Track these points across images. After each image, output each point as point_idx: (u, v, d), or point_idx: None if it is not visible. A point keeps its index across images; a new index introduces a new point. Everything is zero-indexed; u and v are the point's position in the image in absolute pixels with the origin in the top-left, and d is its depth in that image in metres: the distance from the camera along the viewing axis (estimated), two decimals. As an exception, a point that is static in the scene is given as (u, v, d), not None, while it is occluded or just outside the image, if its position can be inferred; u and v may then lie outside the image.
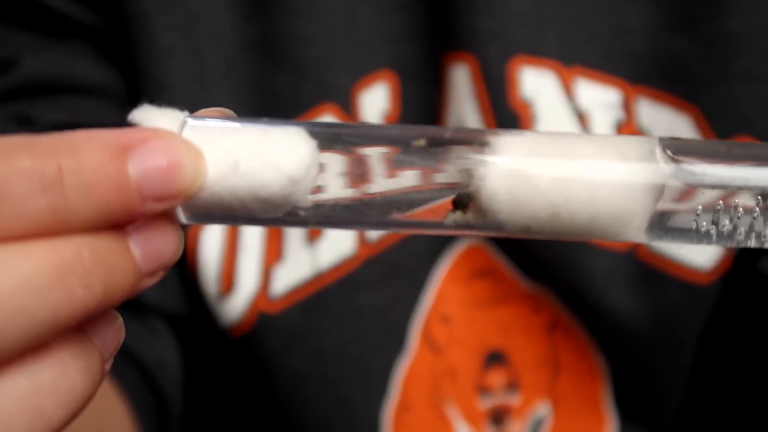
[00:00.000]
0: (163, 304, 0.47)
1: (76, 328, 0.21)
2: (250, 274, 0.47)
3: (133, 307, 0.46)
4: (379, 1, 0.48)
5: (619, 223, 0.22)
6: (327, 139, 0.23)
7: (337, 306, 0.48)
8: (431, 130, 0.23)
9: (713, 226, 0.23)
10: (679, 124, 0.48)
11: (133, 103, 0.50)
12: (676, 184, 0.22)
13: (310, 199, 0.22)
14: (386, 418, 0.49)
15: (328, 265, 0.48)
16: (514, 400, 0.50)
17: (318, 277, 0.48)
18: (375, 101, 0.48)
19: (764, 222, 0.22)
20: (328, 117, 0.47)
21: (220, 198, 0.22)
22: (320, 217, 0.23)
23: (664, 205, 0.22)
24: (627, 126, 0.48)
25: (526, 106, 0.47)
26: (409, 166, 0.22)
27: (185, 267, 0.47)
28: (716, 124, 0.47)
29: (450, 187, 0.22)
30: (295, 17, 0.47)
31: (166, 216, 0.22)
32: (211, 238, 0.47)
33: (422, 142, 0.23)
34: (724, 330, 0.52)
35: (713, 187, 0.22)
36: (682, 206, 0.22)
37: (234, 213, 0.22)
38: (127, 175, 0.21)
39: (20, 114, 0.46)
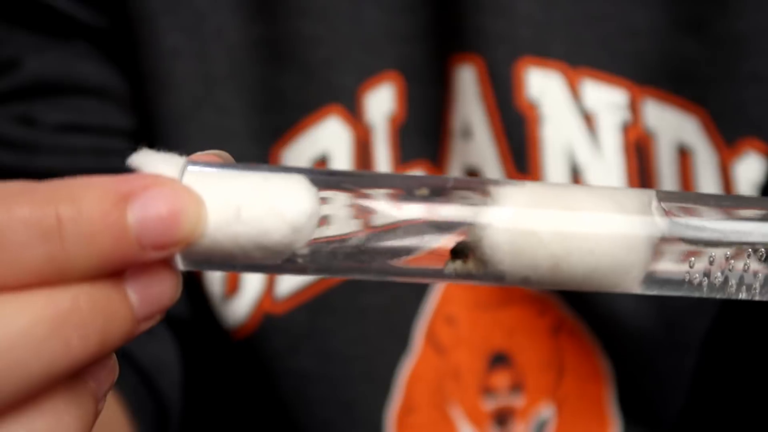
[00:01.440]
0: None
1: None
2: (255, 276, 0.47)
3: None
4: (386, 2, 0.47)
5: (617, 275, 0.23)
6: (328, 187, 0.23)
7: (342, 307, 0.48)
8: (433, 179, 0.23)
9: (705, 278, 0.24)
10: (686, 126, 0.47)
11: (136, 104, 0.50)
12: (672, 238, 0.23)
13: (309, 246, 0.22)
14: (390, 418, 0.49)
15: None
16: (518, 401, 0.50)
17: (323, 278, 0.48)
18: (381, 102, 0.48)
19: (754, 275, 0.23)
20: (333, 118, 0.47)
21: (220, 245, 0.22)
22: (319, 265, 0.23)
23: (661, 258, 0.23)
24: (634, 127, 0.48)
25: (533, 107, 0.47)
26: (411, 215, 0.23)
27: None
28: (723, 125, 0.47)
29: (450, 235, 0.23)
30: (301, 18, 0.47)
31: (165, 261, 0.22)
32: None
33: (424, 191, 0.23)
34: (728, 332, 0.52)
35: (707, 242, 0.23)
36: (677, 260, 0.23)
37: (233, 260, 0.22)
38: (127, 225, 0.20)
39: (23, 114, 0.46)
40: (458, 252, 0.23)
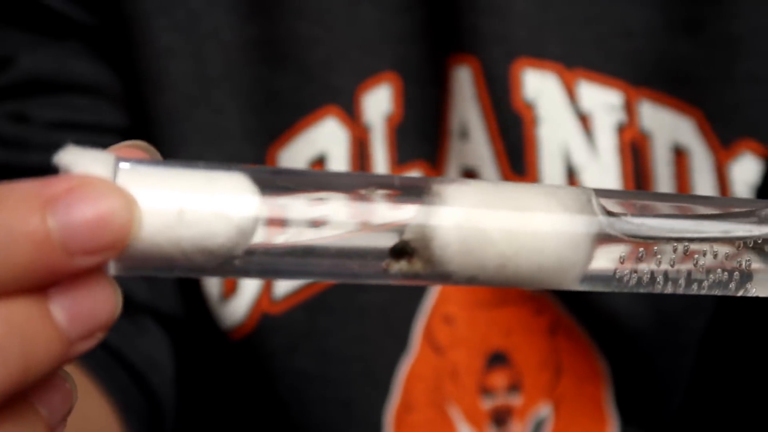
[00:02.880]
0: (155, 305, 0.47)
1: (20, 399, 0.20)
2: None
3: (123, 306, 0.46)
4: (383, 2, 0.48)
5: (561, 273, 0.23)
6: (272, 186, 0.21)
7: (340, 306, 0.48)
8: (379, 178, 0.23)
9: (634, 275, 0.24)
10: (682, 127, 0.48)
11: (132, 103, 0.50)
12: (612, 235, 0.23)
13: (251, 248, 0.21)
14: (388, 418, 0.50)
15: None
16: (516, 401, 0.50)
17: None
18: (378, 103, 0.48)
19: (677, 271, 0.24)
20: (330, 119, 0.47)
21: (160, 249, 0.20)
22: (262, 267, 0.22)
23: (599, 255, 0.23)
24: (629, 128, 0.48)
25: (529, 107, 0.47)
26: (357, 214, 0.22)
27: None
28: (719, 126, 0.47)
29: (395, 235, 0.22)
30: (298, 18, 0.47)
31: (97, 272, 0.20)
32: None
33: (372, 191, 0.22)
34: (724, 331, 0.52)
35: (643, 238, 0.24)
36: (614, 257, 0.24)
37: (172, 264, 0.21)
38: (48, 230, 0.19)
39: (16, 112, 0.46)
40: (400, 251, 0.22)
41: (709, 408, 0.55)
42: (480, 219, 0.22)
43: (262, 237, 0.21)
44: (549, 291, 0.50)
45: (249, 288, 0.47)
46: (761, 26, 0.46)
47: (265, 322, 0.48)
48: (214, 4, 0.47)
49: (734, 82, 0.47)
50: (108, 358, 0.44)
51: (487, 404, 0.50)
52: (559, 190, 0.23)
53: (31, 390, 0.20)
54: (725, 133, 0.47)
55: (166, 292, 0.48)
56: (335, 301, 0.48)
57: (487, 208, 0.22)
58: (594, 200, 0.23)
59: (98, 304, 0.20)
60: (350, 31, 0.47)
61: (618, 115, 0.47)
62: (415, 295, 0.50)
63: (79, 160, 0.20)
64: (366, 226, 0.22)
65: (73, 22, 0.47)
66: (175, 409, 0.49)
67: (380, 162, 0.48)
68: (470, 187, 0.23)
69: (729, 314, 0.51)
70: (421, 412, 0.50)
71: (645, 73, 0.48)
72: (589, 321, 0.50)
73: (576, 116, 0.47)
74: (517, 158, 0.47)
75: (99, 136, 0.47)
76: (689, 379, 0.52)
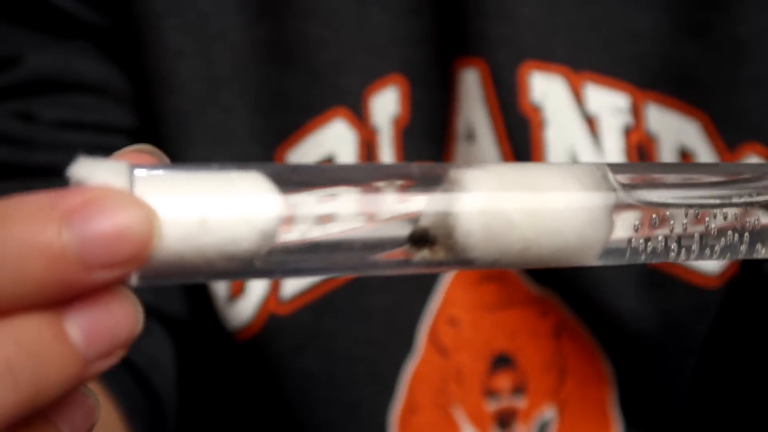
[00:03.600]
0: (159, 307, 0.47)
1: (41, 417, 0.19)
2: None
3: None
4: (391, 5, 0.48)
5: (582, 249, 0.23)
6: (290, 183, 0.21)
7: (346, 308, 0.48)
8: (398, 168, 0.23)
9: (649, 244, 0.24)
10: (688, 130, 0.48)
11: (141, 103, 0.49)
12: (629, 208, 0.24)
13: (274, 249, 0.21)
14: (393, 419, 0.50)
15: None
16: (521, 403, 0.50)
17: (328, 279, 0.48)
18: (385, 105, 0.48)
19: (690, 237, 0.25)
20: (339, 120, 0.48)
21: (181, 258, 0.19)
22: (286, 267, 0.21)
23: (617, 229, 0.24)
24: (636, 131, 0.48)
25: (536, 110, 0.47)
26: (373, 206, 0.21)
27: None
28: (724, 129, 0.47)
29: (417, 224, 0.22)
30: (307, 20, 0.47)
31: (116, 288, 0.19)
32: None
33: (392, 182, 0.22)
34: (727, 335, 0.52)
35: (653, 204, 0.24)
36: (632, 229, 0.24)
37: (195, 272, 0.20)
38: (63, 244, 0.18)
39: (22, 110, 0.46)
40: (422, 240, 0.22)
41: (711, 410, 0.55)
42: (500, 203, 0.22)
43: (283, 236, 0.21)
44: (554, 294, 0.50)
45: (256, 288, 0.47)
46: (766, 30, 0.47)
47: (272, 322, 0.48)
48: (223, 5, 0.47)
49: (740, 85, 0.47)
50: None
51: (491, 406, 0.50)
52: (575, 167, 0.23)
53: (51, 407, 0.20)
54: (731, 136, 0.47)
55: (171, 293, 0.48)
56: (341, 303, 0.48)
57: (507, 192, 0.22)
58: (610, 175, 0.24)
59: (117, 322, 0.19)
60: (358, 33, 0.47)
61: (624, 118, 0.48)
62: (421, 297, 0.50)
63: (93, 172, 0.19)
64: (386, 218, 0.21)
65: (81, 22, 0.47)
66: (177, 411, 0.49)
67: None
68: (488, 171, 0.22)
69: (732, 318, 0.51)
70: (425, 414, 0.50)
71: (651, 76, 0.48)
72: (593, 323, 0.50)
73: (583, 119, 0.47)
74: (523, 160, 0.47)
75: (104, 136, 0.47)
76: (692, 382, 0.53)
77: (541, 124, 0.47)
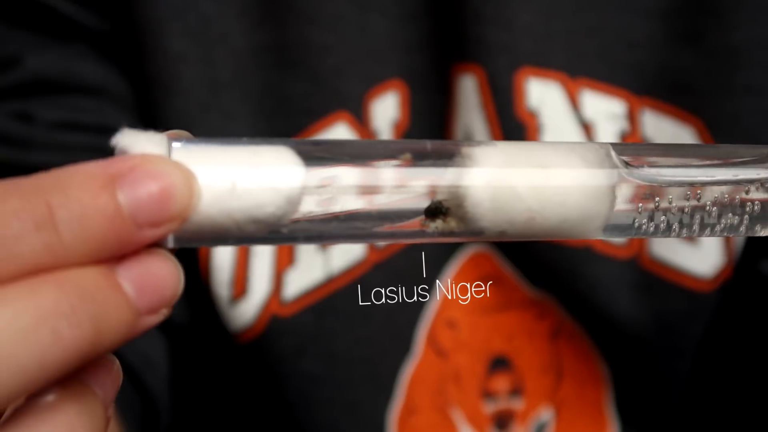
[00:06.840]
0: None
1: (78, 381, 0.21)
2: (262, 278, 0.47)
3: None
4: (391, 11, 0.48)
5: (585, 223, 0.25)
6: (313, 156, 0.23)
7: (347, 309, 0.48)
8: (413, 144, 0.24)
9: (651, 222, 0.26)
10: (683, 136, 0.48)
11: (141, 107, 0.49)
12: (631, 184, 0.25)
13: (298, 216, 0.23)
14: (392, 420, 0.50)
15: (340, 269, 0.48)
16: (518, 405, 0.51)
17: (330, 281, 0.48)
18: (386, 110, 0.48)
19: (691, 215, 0.26)
20: (341, 125, 0.48)
21: (213, 221, 0.22)
22: (308, 233, 0.23)
23: (620, 205, 0.25)
24: (632, 137, 0.48)
25: (533, 116, 0.47)
26: (395, 179, 0.23)
27: (196, 272, 0.48)
28: (719, 136, 0.48)
29: (432, 196, 0.24)
30: (309, 25, 0.47)
31: (159, 249, 0.21)
32: None
33: (407, 156, 0.23)
34: (722, 337, 0.52)
35: (655, 182, 0.25)
36: (634, 205, 0.25)
37: (226, 235, 0.22)
38: (119, 205, 0.20)
39: (20, 111, 0.46)
40: (435, 211, 0.24)
41: (706, 411, 0.55)
42: (508, 177, 0.24)
43: (306, 205, 0.23)
44: (550, 297, 0.50)
45: (258, 290, 0.48)
46: (761, 37, 0.47)
47: (274, 324, 0.48)
48: (225, 9, 0.47)
49: (734, 92, 0.47)
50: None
51: (489, 408, 0.50)
52: (579, 145, 0.25)
53: (87, 371, 0.21)
54: (725, 142, 0.48)
55: None
56: (342, 304, 0.48)
57: (514, 167, 0.24)
58: (613, 153, 0.25)
59: (163, 278, 0.21)
60: (359, 38, 0.48)
61: (620, 124, 0.48)
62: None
63: (135, 141, 0.22)
64: (403, 190, 0.23)
65: (81, 25, 0.47)
66: (170, 409, 0.50)
67: None
68: (497, 148, 0.24)
69: (727, 320, 0.52)
70: (424, 415, 0.50)
71: (647, 83, 0.48)
72: (590, 326, 0.50)
73: (579, 124, 0.48)
74: None
75: (102, 137, 0.47)
76: (687, 383, 0.53)
77: (537, 129, 0.47)
